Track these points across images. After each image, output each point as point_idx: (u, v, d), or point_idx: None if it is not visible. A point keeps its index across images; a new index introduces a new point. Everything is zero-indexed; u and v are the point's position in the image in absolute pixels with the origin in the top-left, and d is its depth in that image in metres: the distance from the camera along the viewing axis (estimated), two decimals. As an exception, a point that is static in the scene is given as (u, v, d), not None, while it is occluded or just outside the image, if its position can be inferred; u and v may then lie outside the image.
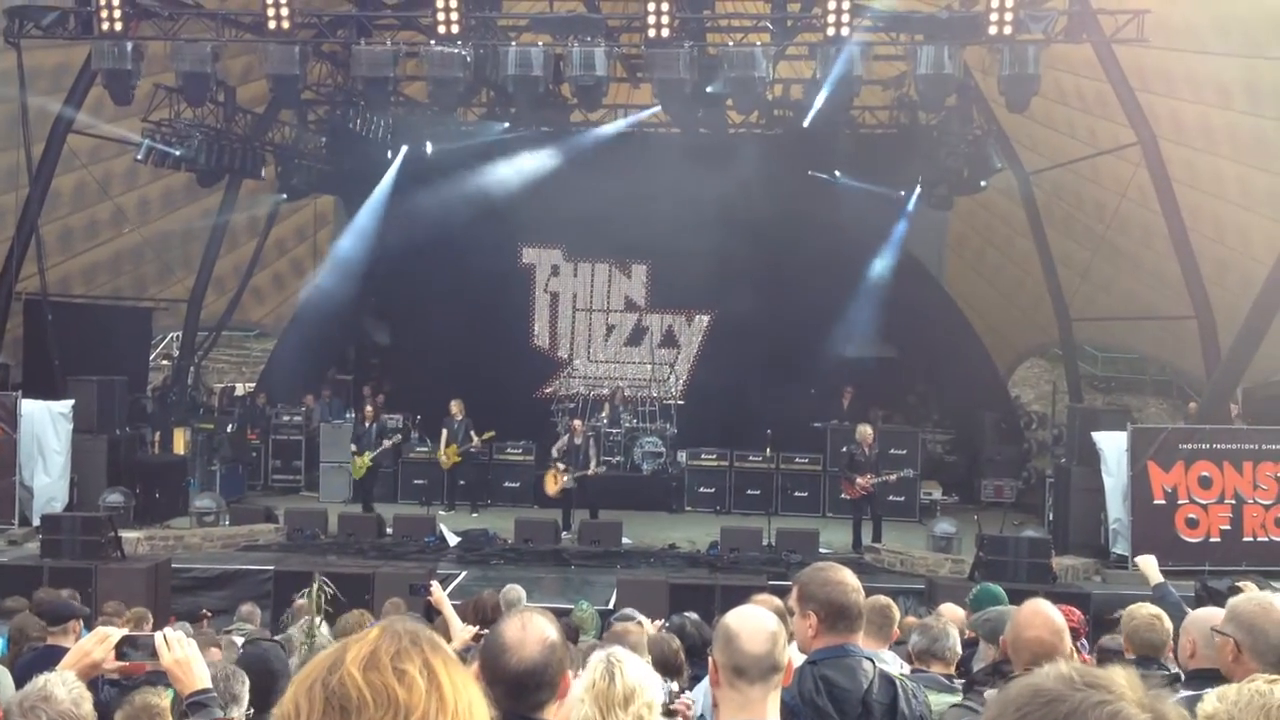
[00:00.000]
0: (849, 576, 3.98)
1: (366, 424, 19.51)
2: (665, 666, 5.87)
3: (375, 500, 19.48)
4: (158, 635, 3.16)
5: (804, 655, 3.98)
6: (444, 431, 19.80)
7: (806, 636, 3.94)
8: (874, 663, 3.87)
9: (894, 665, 5.51)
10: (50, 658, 5.13)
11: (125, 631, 3.20)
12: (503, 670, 2.88)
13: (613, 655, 3.49)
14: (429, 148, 22.91)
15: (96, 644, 3.13)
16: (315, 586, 7.78)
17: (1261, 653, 4.00)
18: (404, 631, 1.74)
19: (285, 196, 22.46)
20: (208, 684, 3.21)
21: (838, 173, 21.88)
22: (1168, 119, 16.32)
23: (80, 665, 3.09)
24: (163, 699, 3.90)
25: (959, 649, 5.86)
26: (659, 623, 7.83)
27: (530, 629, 2.93)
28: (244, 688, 4.25)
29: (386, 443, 19.34)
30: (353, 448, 19.46)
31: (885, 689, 3.84)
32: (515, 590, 8.90)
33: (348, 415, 21.80)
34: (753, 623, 3.36)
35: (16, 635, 7.54)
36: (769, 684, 3.29)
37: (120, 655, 3.14)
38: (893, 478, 17.78)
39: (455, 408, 19.75)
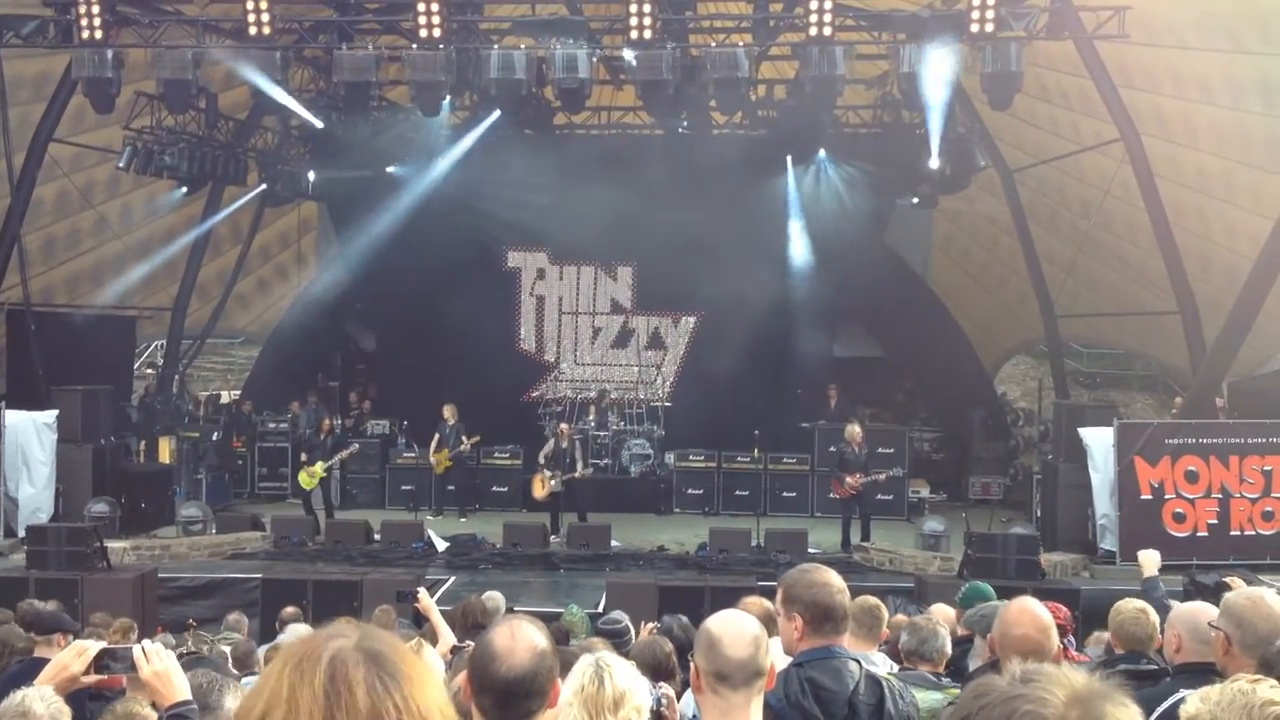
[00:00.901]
0: (834, 578, 3.96)
1: (322, 435, 19.28)
2: (657, 670, 5.85)
3: (361, 506, 19.39)
4: (136, 648, 3.13)
5: (789, 657, 3.96)
6: (436, 436, 19.75)
7: (792, 639, 3.92)
8: (860, 664, 3.85)
9: (883, 666, 5.50)
10: (35, 670, 5.08)
11: (103, 644, 3.17)
12: (492, 679, 2.85)
13: (601, 659, 3.47)
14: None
15: (74, 657, 3.10)
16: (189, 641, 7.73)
17: (1250, 646, 4.02)
18: (335, 674, 1.72)
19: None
20: (187, 695, 3.18)
21: (823, 151, 21.84)
22: (1150, 115, 16.37)
23: (58, 679, 3.06)
24: (145, 709, 3.87)
25: (948, 649, 5.85)
26: (650, 625, 7.80)
27: (519, 637, 2.90)
28: (223, 697, 4.21)
29: (344, 453, 19.21)
30: (303, 457, 19.28)
31: (871, 690, 3.82)
32: (495, 599, 8.84)
33: (335, 422, 21.72)
34: (735, 627, 3.33)
35: (1, 646, 7.47)
36: (752, 689, 3.26)
37: (99, 668, 3.11)
38: (883, 476, 17.82)
39: (448, 412, 19.70)
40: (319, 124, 20.25)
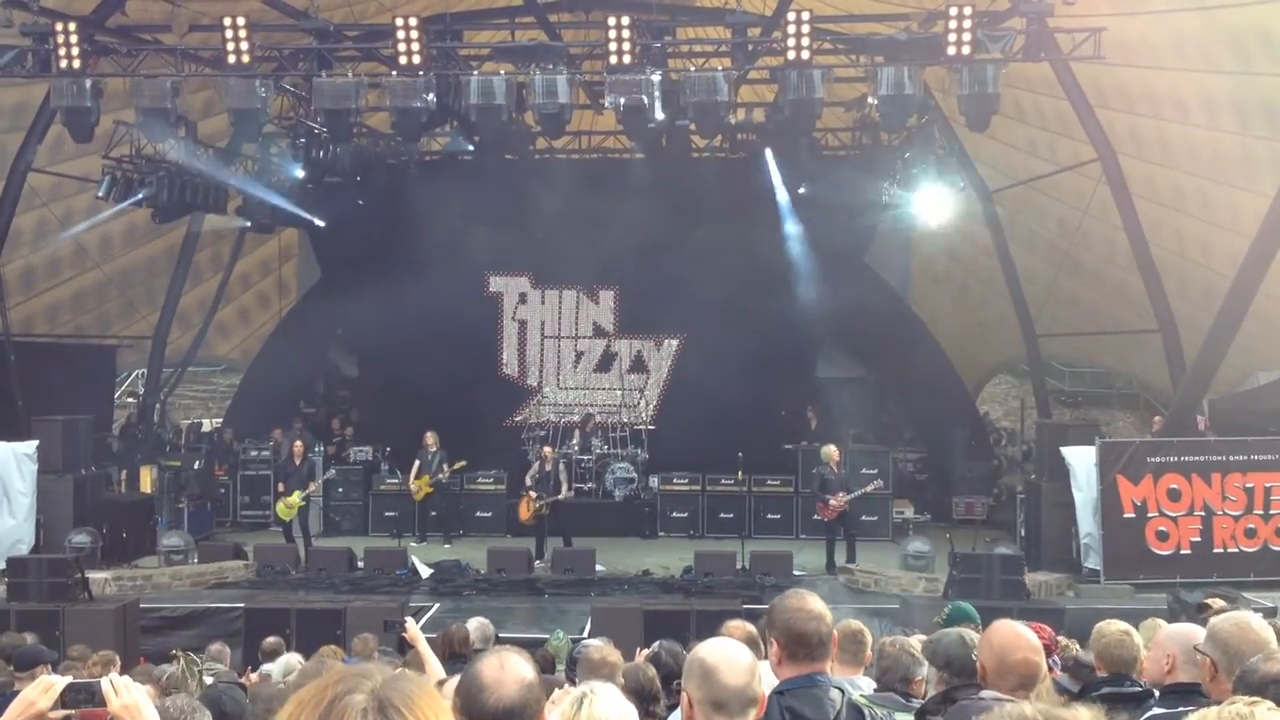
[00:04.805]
0: (812, 604, 3.90)
1: (297, 462, 19.13)
2: (641, 695, 5.83)
3: (344, 533, 19.30)
4: (104, 680, 3.09)
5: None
6: (416, 463, 19.68)
7: (773, 664, 3.90)
8: (843, 692, 3.81)
9: (867, 691, 5.47)
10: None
11: (69, 679, 3.13)
12: (480, 710, 2.84)
13: (589, 688, 3.46)
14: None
15: (41, 693, 3.05)
16: (182, 664, 7.67)
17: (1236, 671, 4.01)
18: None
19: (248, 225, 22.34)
20: (158, 726, 3.15)
21: (802, 189, 21.94)
22: (1126, 135, 16.48)
23: (26, 716, 3.02)
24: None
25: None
26: (646, 652, 7.76)
27: (508, 668, 2.89)
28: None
29: (314, 483, 19.13)
30: (280, 487, 19.13)
31: (853, 718, 3.79)
32: (485, 627, 8.76)
33: (317, 449, 21.63)
34: (730, 656, 3.32)
35: (-20, 681, 7.41)
36: (747, 718, 3.26)
37: (66, 703, 3.07)
38: (870, 487, 17.83)
39: (430, 439, 19.65)
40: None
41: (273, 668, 9.15)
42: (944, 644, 4.97)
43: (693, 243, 21.52)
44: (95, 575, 15.27)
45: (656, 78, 15.36)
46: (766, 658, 4.07)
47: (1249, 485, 15.62)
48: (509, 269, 24.35)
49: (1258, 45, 13.42)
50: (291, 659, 8.65)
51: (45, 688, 3.07)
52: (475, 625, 8.63)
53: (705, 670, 3.30)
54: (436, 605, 15.25)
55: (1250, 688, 3.57)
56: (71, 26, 15.14)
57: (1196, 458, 15.76)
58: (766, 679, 3.69)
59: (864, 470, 18.93)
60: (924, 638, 6.66)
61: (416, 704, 1.89)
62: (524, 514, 18.79)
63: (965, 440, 23.27)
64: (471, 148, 21.68)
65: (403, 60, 15.25)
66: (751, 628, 5.85)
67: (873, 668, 6.13)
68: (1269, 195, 13.58)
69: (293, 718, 1.89)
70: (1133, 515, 15.59)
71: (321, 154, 20.48)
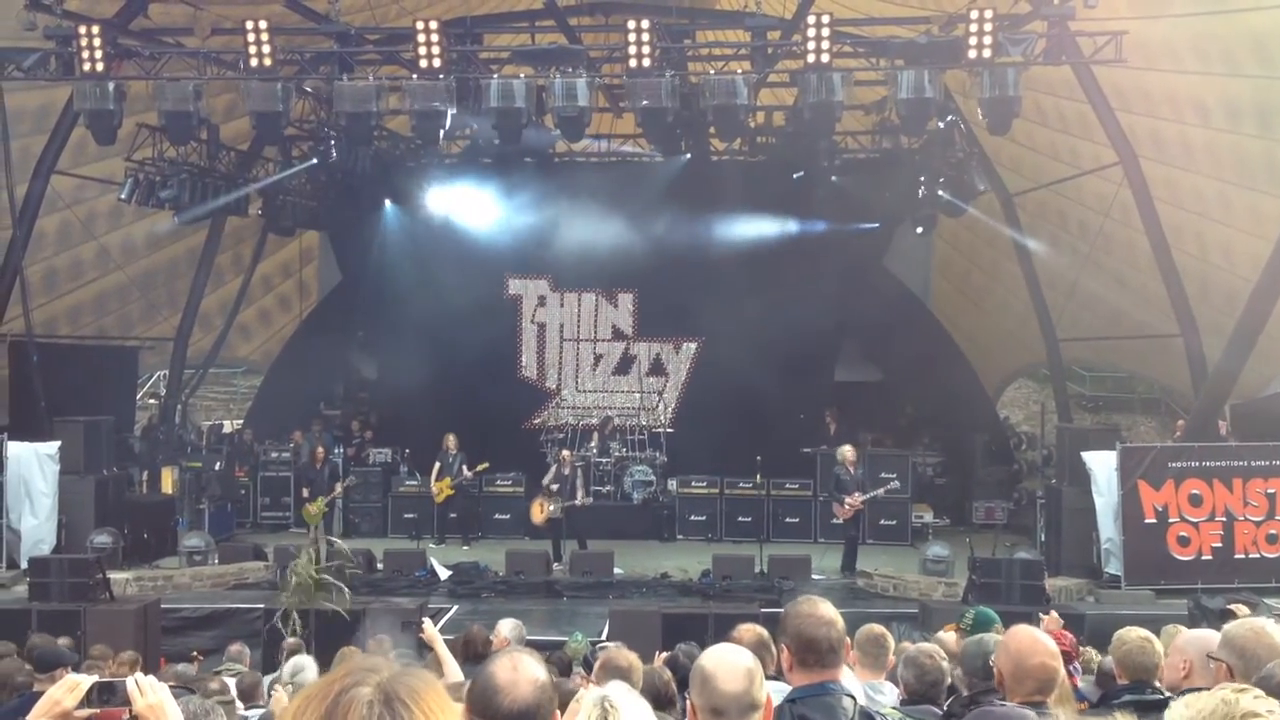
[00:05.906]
0: (823, 610, 3.86)
1: (318, 466, 19.15)
2: (656, 698, 5.84)
3: (363, 535, 19.34)
4: (129, 680, 3.10)
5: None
6: (436, 464, 19.74)
7: (785, 671, 3.89)
8: (855, 700, 3.79)
9: (890, 695, 5.45)
10: (34, 705, 5.05)
11: (95, 678, 3.14)
12: (494, 711, 2.85)
13: (608, 696, 3.45)
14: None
15: (66, 692, 3.07)
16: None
17: (1253, 676, 4.00)
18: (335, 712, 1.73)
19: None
20: (182, 726, 3.17)
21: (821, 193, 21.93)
22: (1148, 138, 16.41)
23: (51, 715, 3.04)
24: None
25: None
26: (664, 656, 7.78)
27: (522, 670, 2.90)
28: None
29: (340, 487, 19.15)
30: (305, 493, 19.21)
31: None
32: (520, 629, 8.77)
33: (337, 451, 21.69)
34: (728, 662, 3.32)
35: (2, 681, 7.43)
36: (746, 724, 3.25)
37: (91, 702, 3.08)
38: (882, 491, 17.80)
39: (450, 441, 19.70)
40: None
41: (284, 668, 9.18)
42: (977, 650, 4.99)
43: (712, 245, 21.50)
44: (116, 576, 15.34)
45: (676, 81, 15.37)
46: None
47: (1270, 491, 15.53)
48: (528, 271, 24.37)
49: (1281, 49, 13.36)
50: (302, 659, 8.69)
51: (70, 687, 3.08)
52: (510, 626, 8.66)
53: (704, 677, 3.30)
54: (455, 607, 15.29)
55: (1268, 693, 3.55)
56: (95, 29, 15.24)
57: (1218, 463, 15.67)
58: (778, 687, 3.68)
59: (882, 474, 18.90)
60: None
61: (423, 698, 1.91)
62: (536, 516, 18.82)
63: (985, 445, 23.19)
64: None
65: (423, 63, 15.30)
66: (762, 630, 5.84)
67: (894, 671, 6.13)
68: (1292, 199, 13.53)
69: (300, 711, 1.90)
70: (1154, 520, 15.51)
71: (342, 157, 20.56)
